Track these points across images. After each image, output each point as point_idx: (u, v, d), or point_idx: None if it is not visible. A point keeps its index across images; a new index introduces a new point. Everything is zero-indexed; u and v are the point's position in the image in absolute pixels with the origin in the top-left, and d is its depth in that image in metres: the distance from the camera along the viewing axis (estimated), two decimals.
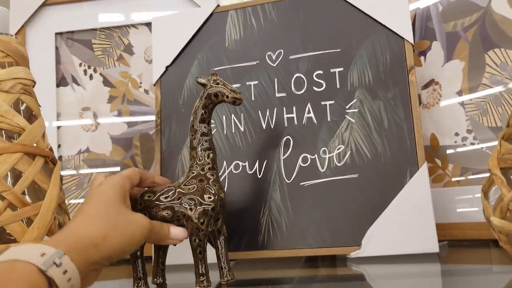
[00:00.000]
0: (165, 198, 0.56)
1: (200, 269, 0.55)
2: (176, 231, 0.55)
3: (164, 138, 0.78)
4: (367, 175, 0.68)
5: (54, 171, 0.59)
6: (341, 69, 0.72)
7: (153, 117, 0.90)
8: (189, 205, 0.55)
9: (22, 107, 0.60)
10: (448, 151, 0.77)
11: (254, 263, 0.72)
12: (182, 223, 0.55)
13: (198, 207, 0.55)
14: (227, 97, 0.58)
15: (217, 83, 0.59)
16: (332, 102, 0.72)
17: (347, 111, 0.71)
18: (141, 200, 0.57)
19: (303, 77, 0.74)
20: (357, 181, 0.68)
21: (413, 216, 0.64)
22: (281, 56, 0.76)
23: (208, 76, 0.59)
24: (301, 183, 0.70)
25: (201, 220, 0.54)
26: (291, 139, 0.72)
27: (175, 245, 0.57)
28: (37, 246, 0.39)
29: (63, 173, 0.91)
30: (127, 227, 0.47)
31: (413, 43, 0.70)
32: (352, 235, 0.66)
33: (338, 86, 0.72)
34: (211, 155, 0.59)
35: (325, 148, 0.71)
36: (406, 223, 0.64)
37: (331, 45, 0.73)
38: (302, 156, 0.71)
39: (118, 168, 0.92)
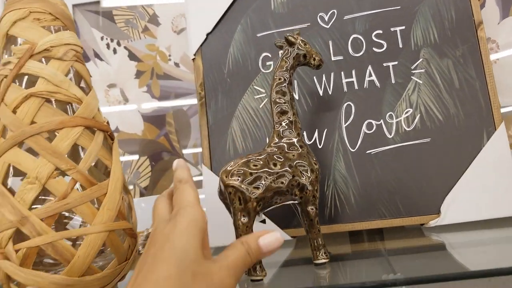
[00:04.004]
0: (274, 165, 0.51)
1: (320, 240, 0.54)
2: (269, 240, 0.40)
3: (210, 111, 0.72)
4: (440, 138, 0.64)
5: (114, 147, 0.52)
6: (403, 27, 0.67)
7: (186, 91, 0.84)
8: (301, 173, 0.52)
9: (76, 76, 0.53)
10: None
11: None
12: (294, 193, 0.52)
13: (311, 174, 0.53)
14: (314, 59, 0.58)
15: (305, 43, 0.58)
16: (396, 63, 0.67)
17: (413, 71, 0.66)
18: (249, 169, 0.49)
19: (360, 38, 0.69)
20: (430, 146, 0.64)
21: (494, 178, 0.61)
22: (334, 17, 0.70)
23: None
24: (368, 151, 0.65)
25: (315, 187, 0.53)
26: (352, 104, 0.67)
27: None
28: None
29: None
30: None
31: None
32: (429, 202, 0.62)
33: (400, 46, 0.67)
34: (299, 122, 0.57)
35: (391, 113, 0.66)
36: (487, 186, 0.61)
37: (390, 2, 0.68)
38: (366, 122, 0.66)
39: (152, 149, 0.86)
